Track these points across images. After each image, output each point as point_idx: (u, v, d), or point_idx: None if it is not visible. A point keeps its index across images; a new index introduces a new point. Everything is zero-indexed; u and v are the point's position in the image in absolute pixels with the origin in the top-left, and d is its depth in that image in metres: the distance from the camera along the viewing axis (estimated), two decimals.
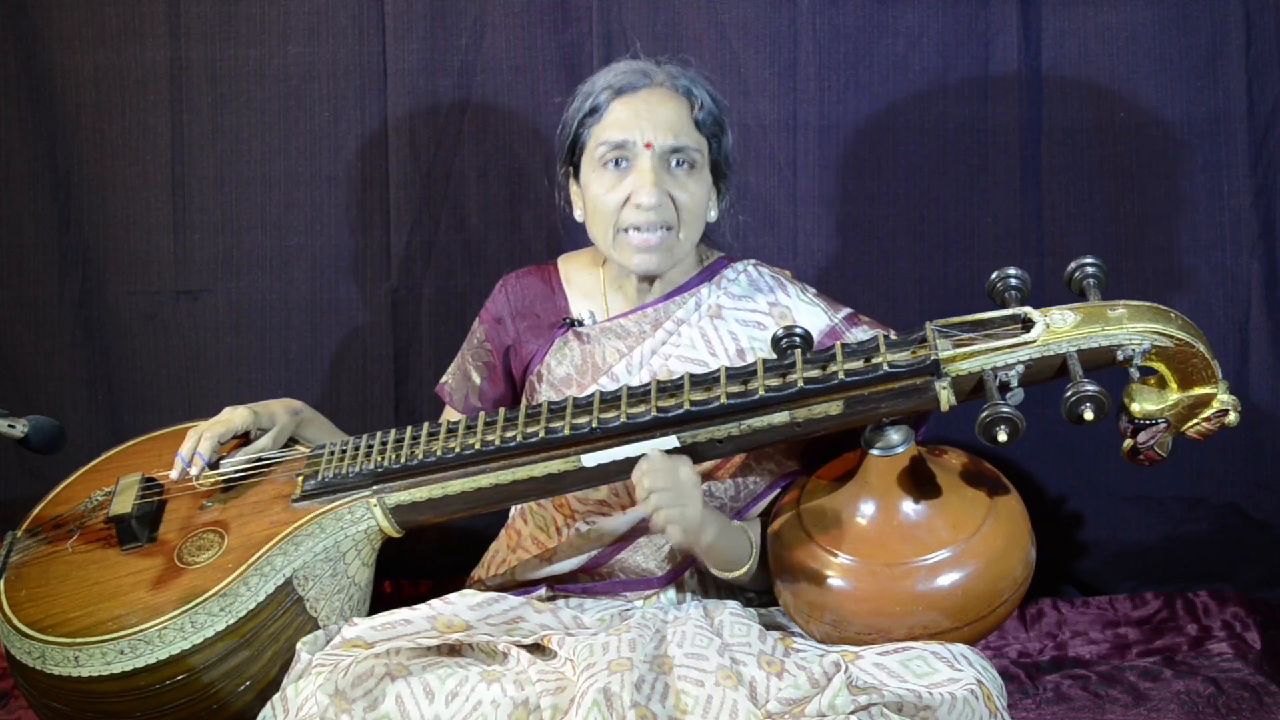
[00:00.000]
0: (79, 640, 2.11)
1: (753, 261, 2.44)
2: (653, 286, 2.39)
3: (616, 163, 2.28)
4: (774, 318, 2.36)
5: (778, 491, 2.35)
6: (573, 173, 2.38)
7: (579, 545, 2.38)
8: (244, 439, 2.39)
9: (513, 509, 2.50)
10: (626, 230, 2.28)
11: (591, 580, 2.40)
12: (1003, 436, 1.94)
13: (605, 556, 2.38)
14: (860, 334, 2.34)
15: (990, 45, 2.86)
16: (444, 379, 2.54)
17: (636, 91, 2.30)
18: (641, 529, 2.35)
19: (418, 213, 2.97)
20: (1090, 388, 1.92)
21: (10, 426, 2.28)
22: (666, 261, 2.31)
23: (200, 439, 2.33)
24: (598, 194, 2.29)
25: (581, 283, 2.46)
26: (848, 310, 2.39)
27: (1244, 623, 2.83)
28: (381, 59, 2.93)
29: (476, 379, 2.49)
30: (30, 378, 3.03)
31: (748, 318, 2.37)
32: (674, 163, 2.28)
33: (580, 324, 2.42)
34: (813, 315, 2.36)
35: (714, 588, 2.38)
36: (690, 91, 2.31)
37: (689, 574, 2.39)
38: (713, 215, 2.38)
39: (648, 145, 2.26)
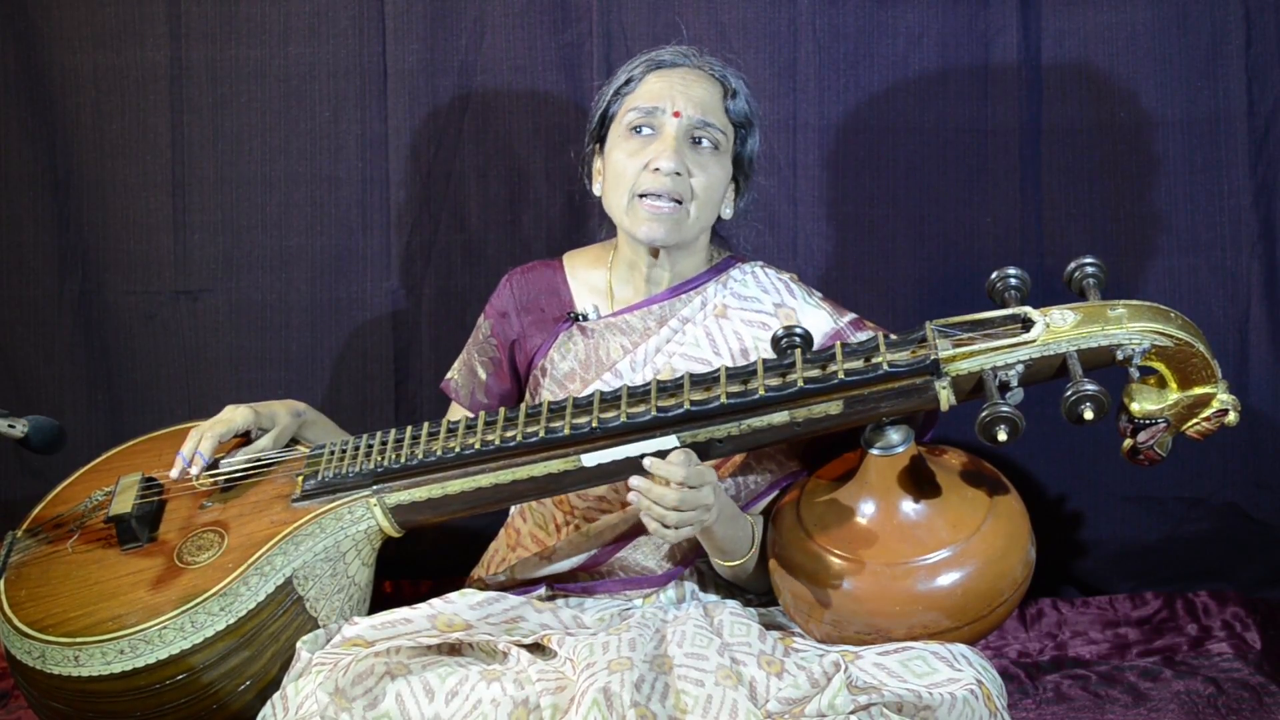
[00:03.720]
0: (79, 640, 2.11)
1: (760, 263, 2.45)
2: (660, 279, 2.39)
3: (641, 129, 2.30)
4: (779, 319, 2.36)
5: (778, 492, 2.35)
6: (599, 148, 2.40)
7: (578, 543, 2.39)
8: (245, 438, 2.39)
9: (512, 507, 2.50)
10: (642, 196, 2.29)
11: (591, 579, 2.40)
12: (1003, 436, 1.94)
13: (605, 555, 2.38)
14: (864, 338, 2.34)
15: (990, 45, 2.86)
16: (449, 375, 2.54)
17: (675, 68, 2.35)
18: (641, 527, 2.36)
19: (418, 213, 2.97)
20: (1090, 387, 1.92)
21: (10, 426, 2.28)
22: (674, 235, 2.31)
23: (202, 438, 2.33)
24: (619, 159, 2.31)
25: (587, 277, 2.47)
26: (853, 315, 2.39)
27: (1244, 623, 2.83)
28: (381, 59, 2.93)
29: (482, 374, 2.49)
30: (30, 378, 3.02)
31: (753, 319, 2.37)
32: (698, 140, 2.30)
33: (585, 318, 2.43)
34: (817, 318, 2.36)
35: (713, 586, 2.38)
36: (726, 79, 2.35)
37: (688, 572, 2.39)
38: (727, 212, 2.39)
39: (675, 114, 2.29)
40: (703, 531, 2.19)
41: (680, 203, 2.29)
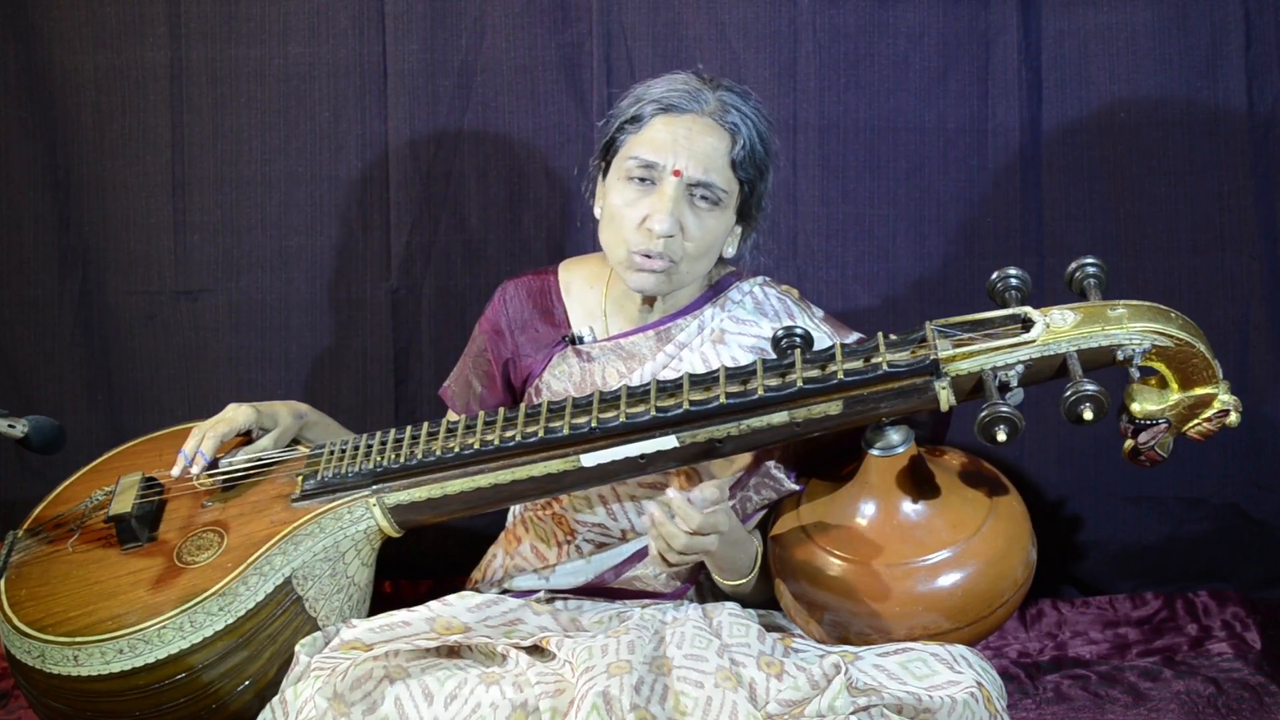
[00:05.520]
0: (78, 639, 2.11)
1: (760, 280, 2.41)
2: (656, 309, 2.36)
3: (641, 179, 2.24)
4: None
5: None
6: (603, 169, 2.34)
7: (578, 564, 2.38)
8: (246, 438, 2.39)
9: (511, 516, 2.50)
10: (632, 250, 2.25)
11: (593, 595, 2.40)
12: (1002, 436, 1.94)
13: (608, 578, 2.37)
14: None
15: (990, 45, 2.86)
16: (447, 382, 2.53)
17: (682, 114, 2.25)
18: (640, 555, 2.35)
19: (418, 213, 2.96)
20: (1090, 387, 1.92)
21: (10, 426, 2.28)
22: (665, 287, 2.28)
23: (204, 437, 2.33)
24: (617, 205, 2.26)
25: (582, 295, 2.43)
26: (857, 335, 2.36)
27: (1244, 623, 2.83)
28: (381, 59, 2.93)
29: (477, 387, 2.48)
30: (30, 378, 3.02)
31: (751, 343, 2.34)
32: (698, 197, 2.24)
33: (580, 341, 2.40)
34: (818, 340, 2.33)
35: (711, 596, 2.37)
36: (736, 128, 2.25)
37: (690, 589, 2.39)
38: (730, 251, 2.34)
39: (676, 173, 2.22)
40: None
41: (675, 261, 2.24)
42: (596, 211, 2.36)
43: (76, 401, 3.02)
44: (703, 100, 2.26)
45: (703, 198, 2.24)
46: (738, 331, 2.35)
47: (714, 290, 2.39)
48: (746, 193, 2.29)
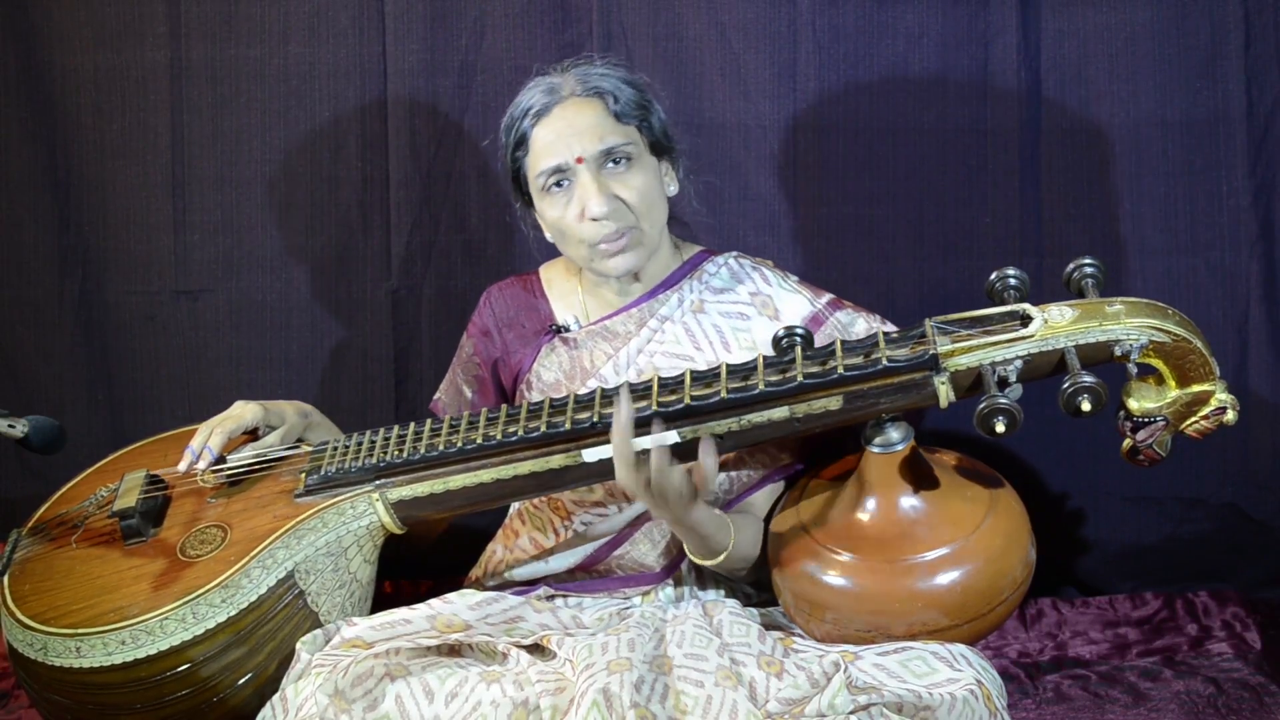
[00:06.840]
0: (81, 631, 2.11)
1: (734, 254, 2.45)
2: (634, 285, 2.40)
3: (558, 184, 2.29)
4: (756, 307, 2.37)
5: (769, 487, 2.36)
6: (527, 202, 2.40)
7: (575, 544, 2.39)
8: (252, 435, 2.40)
9: (510, 510, 2.51)
10: (595, 245, 2.29)
11: (589, 578, 2.40)
12: (1000, 428, 1.94)
13: (603, 553, 2.38)
14: (844, 317, 2.36)
15: (989, 46, 2.86)
16: (438, 394, 2.56)
17: (550, 111, 2.30)
18: (638, 523, 2.36)
19: (418, 213, 2.97)
20: (1088, 379, 1.92)
21: (10, 426, 2.29)
22: (643, 256, 2.32)
23: (211, 433, 2.34)
24: (555, 217, 2.31)
25: (562, 289, 2.48)
26: (830, 295, 2.40)
27: (1244, 623, 2.83)
28: (381, 59, 2.93)
29: (468, 393, 2.50)
30: (30, 378, 3.03)
31: (730, 309, 2.38)
32: (610, 164, 2.29)
33: (566, 330, 2.42)
34: (795, 302, 2.37)
35: (711, 582, 2.38)
36: (600, 90, 2.31)
37: (685, 568, 2.38)
38: (672, 190, 2.39)
39: (579, 160, 2.27)
40: (676, 525, 2.18)
41: (632, 227, 2.28)
42: (549, 237, 2.39)
43: (76, 401, 3.03)
44: (560, 89, 2.32)
45: (614, 161, 2.29)
46: (716, 300, 2.39)
47: (689, 265, 2.42)
48: (647, 130, 2.34)
